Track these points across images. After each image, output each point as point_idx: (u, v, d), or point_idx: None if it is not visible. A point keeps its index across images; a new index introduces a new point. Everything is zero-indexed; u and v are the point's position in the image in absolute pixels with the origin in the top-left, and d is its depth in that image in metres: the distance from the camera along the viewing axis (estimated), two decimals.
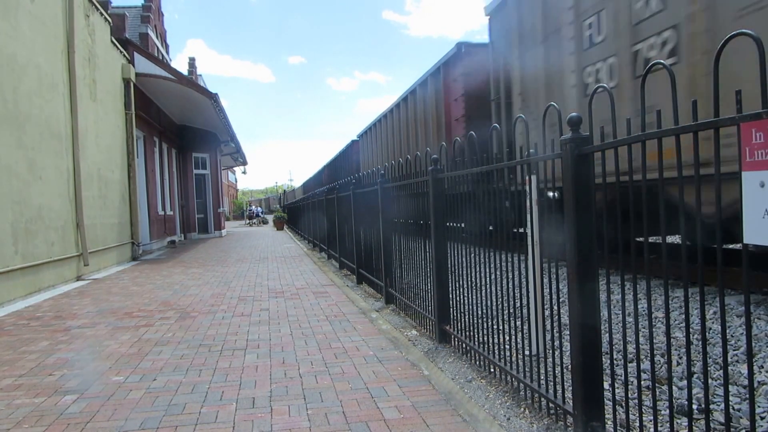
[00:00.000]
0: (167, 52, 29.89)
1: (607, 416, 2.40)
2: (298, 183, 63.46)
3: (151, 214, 14.84)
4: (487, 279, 3.42)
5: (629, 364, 3.49)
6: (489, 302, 3.42)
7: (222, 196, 25.24)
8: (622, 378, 2.67)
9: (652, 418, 2.10)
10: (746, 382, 3.07)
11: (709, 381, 3.15)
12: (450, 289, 4.16)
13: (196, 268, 10.58)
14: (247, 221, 42.01)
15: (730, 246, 5.92)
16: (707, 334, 3.84)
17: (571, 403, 2.49)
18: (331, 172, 27.08)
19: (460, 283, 3.93)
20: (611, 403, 2.30)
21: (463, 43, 10.36)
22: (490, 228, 3.30)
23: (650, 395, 2.21)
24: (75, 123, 9.15)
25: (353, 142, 21.66)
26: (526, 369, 2.96)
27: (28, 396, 3.35)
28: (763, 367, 3.25)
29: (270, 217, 44.15)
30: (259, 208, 47.41)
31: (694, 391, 2.93)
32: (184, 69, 34.36)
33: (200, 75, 37.98)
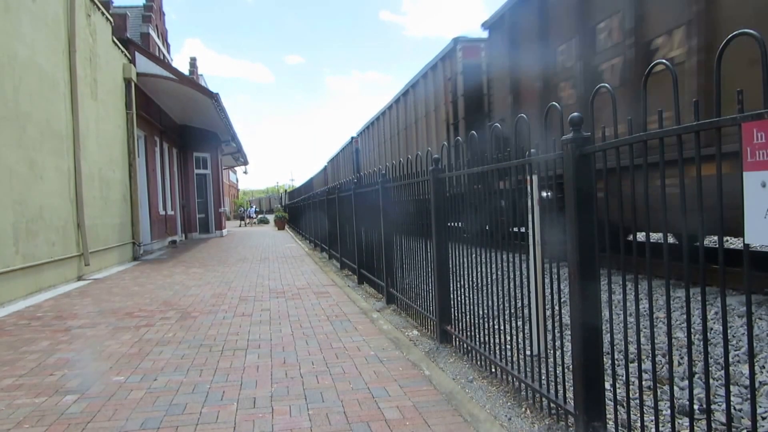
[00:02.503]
0: (168, 52, 29.92)
1: (608, 416, 2.40)
2: (299, 182, 63.42)
3: (152, 214, 14.84)
4: (489, 279, 3.42)
5: (630, 364, 3.49)
6: (490, 302, 3.42)
7: (223, 196, 25.25)
8: (624, 378, 2.67)
9: (653, 418, 2.09)
10: (747, 383, 3.07)
11: (711, 381, 3.15)
12: (451, 289, 4.16)
13: (197, 268, 10.58)
14: (240, 222, 40.32)
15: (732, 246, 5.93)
16: (708, 334, 3.83)
17: (572, 403, 2.49)
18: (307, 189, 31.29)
19: (462, 283, 3.93)
20: (612, 403, 2.29)
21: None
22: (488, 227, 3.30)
23: (651, 395, 2.20)
24: (76, 123, 9.15)
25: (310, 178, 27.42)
26: (528, 369, 2.96)
27: (28, 396, 3.35)
28: (764, 367, 3.25)
29: (270, 217, 43.57)
30: (251, 209, 46.08)
31: (695, 391, 2.93)
32: (184, 69, 34.37)
33: (201, 75, 38.01)
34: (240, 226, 38.16)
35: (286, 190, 64.16)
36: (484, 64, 9.34)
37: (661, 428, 2.61)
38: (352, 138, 20.69)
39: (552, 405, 2.71)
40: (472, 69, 9.56)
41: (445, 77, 10.59)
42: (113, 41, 11.94)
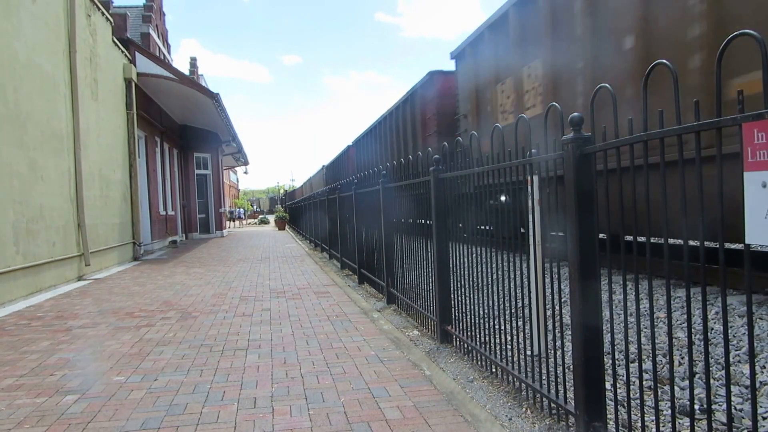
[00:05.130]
0: (169, 52, 29.94)
1: (608, 416, 2.40)
2: (299, 182, 63.43)
3: (153, 214, 14.84)
4: (489, 279, 3.42)
5: (631, 364, 3.49)
6: (491, 302, 3.42)
7: (224, 196, 25.25)
8: (624, 378, 2.67)
9: (654, 418, 2.09)
10: (748, 383, 3.07)
11: (711, 381, 3.15)
12: (452, 289, 4.16)
13: (198, 267, 10.58)
14: (230, 224, 39.37)
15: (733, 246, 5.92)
16: (709, 334, 3.83)
17: (572, 403, 2.49)
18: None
19: (462, 283, 3.93)
20: (613, 403, 2.29)
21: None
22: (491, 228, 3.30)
23: (652, 395, 2.21)
24: (76, 123, 9.16)
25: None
26: (528, 369, 2.96)
27: (29, 396, 3.35)
28: (765, 367, 3.25)
29: (271, 218, 43.13)
30: (240, 210, 45.31)
31: (696, 391, 2.93)
32: (183, 69, 34.38)
33: (201, 75, 38.01)
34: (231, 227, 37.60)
35: (286, 191, 64.29)
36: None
37: (661, 428, 2.61)
38: (348, 146, 21.57)
39: (552, 405, 2.71)
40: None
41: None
42: (113, 41, 11.94)
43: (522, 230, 3.28)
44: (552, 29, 6.91)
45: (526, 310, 4.00)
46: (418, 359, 3.88)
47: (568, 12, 6.58)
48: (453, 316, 4.16)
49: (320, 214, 13.05)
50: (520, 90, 7.87)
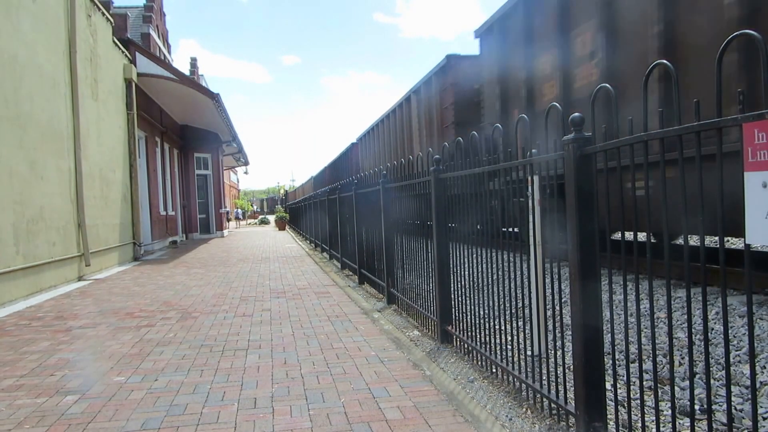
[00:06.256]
0: (169, 52, 29.94)
1: (609, 417, 2.40)
2: (299, 182, 63.51)
3: (153, 215, 14.84)
4: (489, 279, 3.42)
5: (631, 365, 3.49)
6: (491, 302, 3.42)
7: (224, 197, 25.25)
8: (625, 378, 2.67)
9: (654, 418, 2.09)
10: (748, 383, 3.07)
11: (711, 381, 3.15)
12: (452, 289, 4.16)
13: (198, 268, 10.58)
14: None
15: (733, 246, 5.93)
16: (709, 334, 3.83)
17: (573, 404, 2.49)
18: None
19: (462, 283, 3.93)
20: (613, 404, 2.29)
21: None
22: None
23: (652, 395, 2.20)
24: (76, 123, 9.16)
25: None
26: (528, 369, 2.96)
27: (29, 396, 3.35)
28: (765, 367, 3.24)
29: (271, 218, 43.44)
30: (237, 210, 45.88)
31: (696, 392, 2.93)
32: (183, 69, 34.39)
33: (201, 75, 38.04)
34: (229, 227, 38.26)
35: (286, 191, 64.30)
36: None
37: (662, 428, 2.61)
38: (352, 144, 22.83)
39: (553, 405, 2.71)
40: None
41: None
42: (114, 41, 11.94)
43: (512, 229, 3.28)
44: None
45: (527, 311, 4.01)
46: (418, 359, 3.88)
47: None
48: (453, 317, 4.16)
49: (320, 214, 13.05)
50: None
